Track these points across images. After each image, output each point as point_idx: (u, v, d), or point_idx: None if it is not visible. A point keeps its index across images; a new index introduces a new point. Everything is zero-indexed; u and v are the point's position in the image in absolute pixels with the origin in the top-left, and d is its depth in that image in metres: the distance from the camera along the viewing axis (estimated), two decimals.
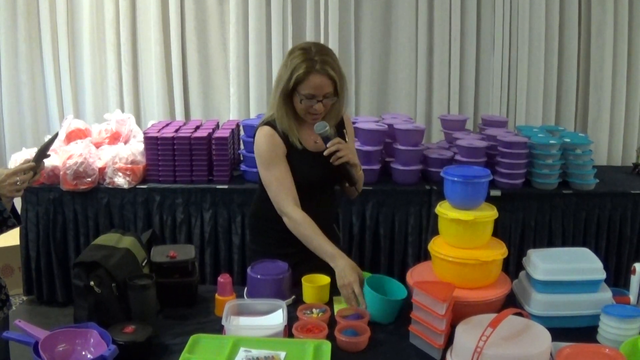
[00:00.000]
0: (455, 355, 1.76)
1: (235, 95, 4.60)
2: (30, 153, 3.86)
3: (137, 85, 4.70)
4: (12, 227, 2.05)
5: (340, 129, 2.42)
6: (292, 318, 2.00)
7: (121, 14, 4.51)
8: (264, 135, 2.32)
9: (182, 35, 4.58)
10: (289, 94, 2.25)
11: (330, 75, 2.20)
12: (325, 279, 2.21)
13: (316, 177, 2.36)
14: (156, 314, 2.05)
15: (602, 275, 2.03)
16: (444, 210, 2.10)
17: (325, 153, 2.24)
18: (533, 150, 3.81)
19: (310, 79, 2.19)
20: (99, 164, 3.83)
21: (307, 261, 2.30)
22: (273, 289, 2.15)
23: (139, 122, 4.55)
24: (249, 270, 2.21)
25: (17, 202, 3.77)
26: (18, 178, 1.98)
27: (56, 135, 2.17)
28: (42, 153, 2.04)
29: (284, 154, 2.32)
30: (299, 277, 2.22)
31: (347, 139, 2.42)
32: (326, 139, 2.26)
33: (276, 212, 2.34)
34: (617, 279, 3.77)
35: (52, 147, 3.84)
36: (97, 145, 4.01)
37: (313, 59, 2.19)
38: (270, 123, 2.33)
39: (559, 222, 3.81)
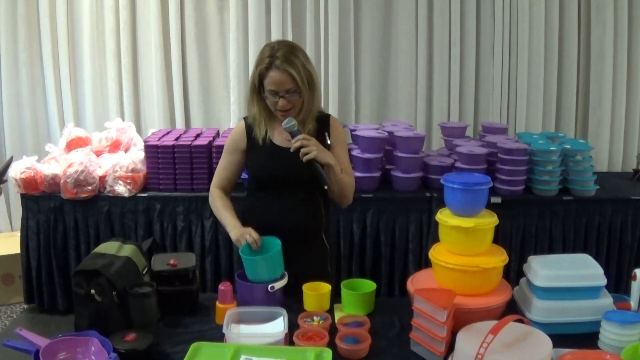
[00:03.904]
0: None
1: (236, 104, 4.61)
2: (31, 161, 3.87)
3: (137, 94, 4.70)
4: None
5: (322, 132, 2.41)
6: (292, 326, 2.00)
7: (121, 22, 4.52)
8: (235, 127, 2.53)
9: (182, 44, 4.59)
10: (257, 90, 2.34)
11: (289, 72, 2.24)
12: (326, 287, 2.21)
13: (278, 171, 2.39)
14: (157, 322, 2.05)
15: (603, 281, 2.03)
16: (445, 217, 2.10)
17: (291, 149, 2.25)
18: (533, 157, 3.81)
19: (271, 75, 2.26)
20: (99, 172, 3.83)
21: (294, 262, 2.30)
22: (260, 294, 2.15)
23: (139, 131, 4.56)
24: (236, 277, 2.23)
25: (18, 210, 3.82)
26: None
27: (11, 159, 2.19)
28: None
29: (242, 150, 2.46)
30: (290, 278, 2.22)
31: (329, 142, 2.40)
32: (292, 135, 2.27)
33: (255, 206, 2.48)
34: (618, 285, 3.76)
35: (49, 157, 3.88)
36: (98, 153, 4.01)
37: (275, 56, 2.26)
38: (246, 117, 2.48)
39: (560, 229, 3.81)
